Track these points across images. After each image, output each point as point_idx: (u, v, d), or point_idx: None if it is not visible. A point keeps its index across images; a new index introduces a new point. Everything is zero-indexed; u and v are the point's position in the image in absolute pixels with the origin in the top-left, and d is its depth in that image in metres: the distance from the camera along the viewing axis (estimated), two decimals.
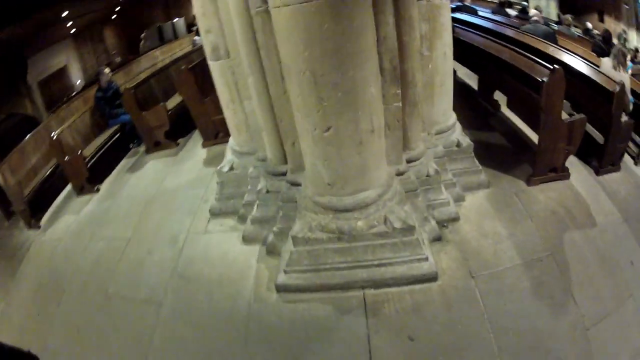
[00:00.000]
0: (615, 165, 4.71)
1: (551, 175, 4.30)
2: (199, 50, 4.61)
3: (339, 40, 2.45)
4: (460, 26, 6.01)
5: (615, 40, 19.19)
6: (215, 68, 3.58)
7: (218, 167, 3.98)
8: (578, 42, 9.03)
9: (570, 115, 4.40)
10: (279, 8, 2.48)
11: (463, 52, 5.20)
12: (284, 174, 3.43)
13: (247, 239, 3.66)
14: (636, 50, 19.70)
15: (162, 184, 5.20)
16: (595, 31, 18.28)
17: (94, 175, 5.74)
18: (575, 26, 18.40)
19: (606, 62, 5.10)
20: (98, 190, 5.65)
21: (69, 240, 4.76)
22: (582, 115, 4.24)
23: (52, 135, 5.64)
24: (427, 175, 3.39)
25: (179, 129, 6.30)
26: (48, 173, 5.81)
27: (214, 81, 3.71)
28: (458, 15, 7.75)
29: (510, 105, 5.05)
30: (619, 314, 2.98)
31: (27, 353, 2.44)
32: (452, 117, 3.73)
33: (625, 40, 23.51)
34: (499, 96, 5.47)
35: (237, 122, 3.65)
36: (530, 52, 5.12)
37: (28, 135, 5.95)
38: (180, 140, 6.27)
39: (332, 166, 2.82)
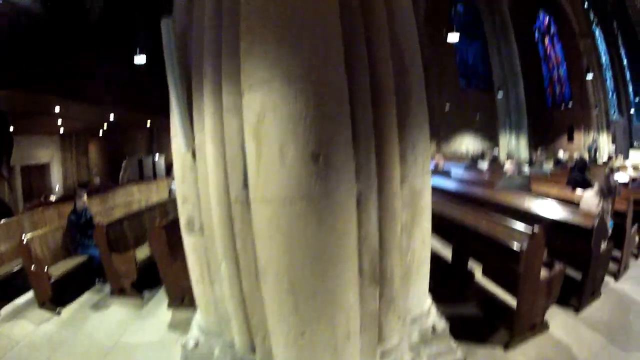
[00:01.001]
0: (595, 293, 4.64)
1: (530, 333, 4.21)
2: (174, 203, 4.63)
3: (321, 246, 2.39)
4: (434, 194, 6.09)
5: (586, 156, 20.12)
6: (188, 242, 3.44)
7: (183, 342, 3.76)
8: (552, 181, 9.37)
9: (547, 264, 4.37)
10: (260, 204, 2.43)
11: (438, 222, 5.26)
12: None
13: None
14: (610, 158, 20.65)
15: (124, 336, 5.00)
16: (565, 156, 19.29)
17: (56, 295, 5.73)
18: (547, 157, 19.44)
19: (588, 198, 5.12)
20: (59, 313, 5.60)
21: (24, 351, 4.77)
22: (561, 266, 4.23)
23: (22, 238, 5.81)
24: None
25: (146, 279, 6.15)
26: (16, 270, 6.11)
27: (185, 252, 3.58)
28: (432, 182, 7.87)
29: (485, 272, 5.01)
30: None
31: None
32: (428, 301, 3.63)
33: (596, 150, 24.78)
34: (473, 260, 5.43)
35: (205, 301, 3.46)
36: (506, 211, 5.21)
37: (2, 221, 6.56)
38: (146, 293, 6.09)
39: None
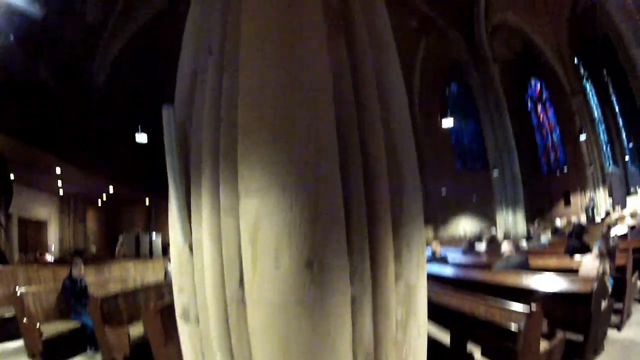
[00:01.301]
0: (598, 350, 4.56)
1: None
2: (170, 286, 4.64)
3: (316, 349, 2.40)
4: (431, 282, 6.08)
5: (583, 218, 20.13)
6: (183, 330, 3.38)
7: None
8: (550, 252, 9.40)
9: (547, 335, 4.33)
10: (255, 305, 2.46)
11: (435, 310, 5.15)
12: None
13: None
14: (607, 214, 20.61)
15: None
16: (563, 223, 19.27)
17: (47, 351, 5.82)
18: (545, 227, 19.44)
19: (587, 263, 5.11)
20: None
21: None
22: (562, 335, 4.20)
23: (16, 289, 5.94)
24: None
25: (139, 356, 6.00)
26: (7, 316, 6.31)
27: (180, 340, 3.54)
28: (429, 269, 7.89)
29: (484, 354, 4.97)
30: None
31: None
32: None
33: (594, 208, 24.77)
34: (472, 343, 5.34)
35: None
36: (505, 291, 5.20)
37: None
38: None
39: None
